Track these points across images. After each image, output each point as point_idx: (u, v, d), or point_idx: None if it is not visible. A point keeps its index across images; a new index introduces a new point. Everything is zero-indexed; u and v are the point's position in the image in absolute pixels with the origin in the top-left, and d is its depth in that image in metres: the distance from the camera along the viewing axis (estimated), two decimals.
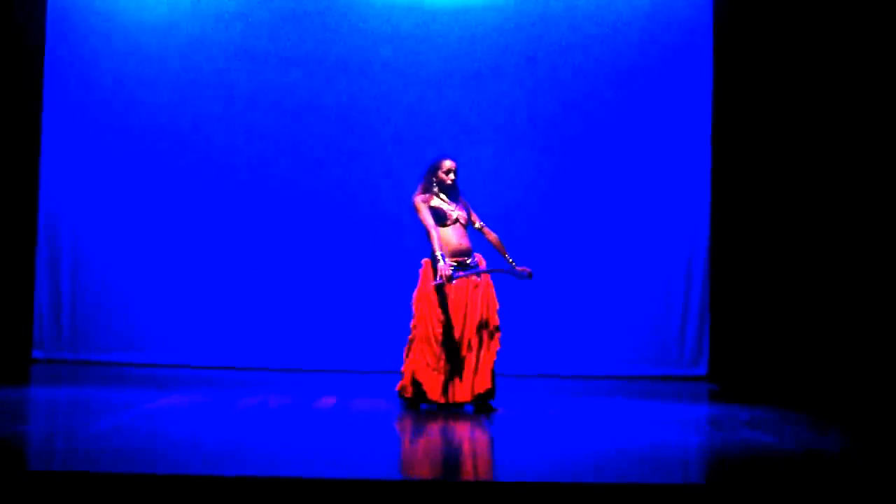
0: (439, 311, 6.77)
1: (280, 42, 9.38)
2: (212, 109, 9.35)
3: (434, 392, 6.76)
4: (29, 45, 9.04)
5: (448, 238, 6.86)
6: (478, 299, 6.81)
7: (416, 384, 6.80)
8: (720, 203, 9.24)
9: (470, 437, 6.05)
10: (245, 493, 4.35)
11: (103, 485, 4.35)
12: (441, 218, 6.88)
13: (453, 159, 7.03)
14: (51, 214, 9.22)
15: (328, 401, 7.27)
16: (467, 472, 5.04)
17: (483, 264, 6.93)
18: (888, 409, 7.72)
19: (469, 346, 6.77)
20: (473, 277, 6.82)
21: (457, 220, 6.92)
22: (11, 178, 8.97)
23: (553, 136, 9.41)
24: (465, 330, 6.78)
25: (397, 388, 6.94)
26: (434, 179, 6.97)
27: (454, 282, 6.75)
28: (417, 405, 6.82)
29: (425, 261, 6.92)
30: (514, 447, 5.70)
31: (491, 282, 6.93)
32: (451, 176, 6.97)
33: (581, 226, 9.37)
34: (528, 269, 6.99)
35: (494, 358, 6.83)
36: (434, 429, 6.21)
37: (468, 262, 6.87)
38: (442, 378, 6.75)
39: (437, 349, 6.75)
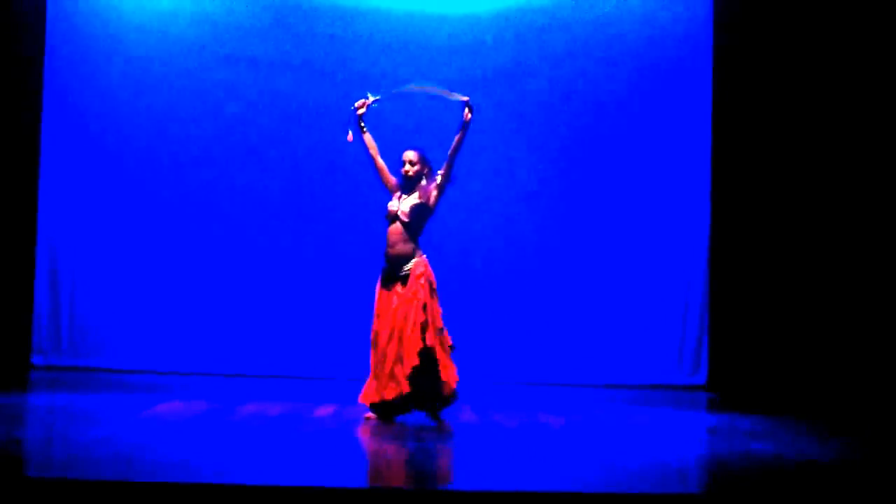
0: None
1: (283, 50, 9.38)
2: (209, 119, 9.38)
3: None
4: (29, 51, 9.06)
5: (386, 239, 6.67)
6: (398, 306, 6.55)
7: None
8: (720, 211, 9.24)
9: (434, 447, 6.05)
10: (243, 502, 4.35)
11: (101, 492, 4.35)
12: (386, 215, 6.72)
13: (415, 148, 6.77)
14: (50, 222, 9.23)
15: (327, 409, 7.27)
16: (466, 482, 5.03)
17: (419, 270, 6.54)
18: (888, 418, 7.71)
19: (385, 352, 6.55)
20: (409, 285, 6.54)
21: (395, 218, 6.65)
22: (10, 186, 8.97)
23: (553, 146, 9.41)
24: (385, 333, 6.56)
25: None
26: (400, 174, 6.78)
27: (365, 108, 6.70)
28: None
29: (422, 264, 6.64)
30: (509, 456, 5.69)
31: (419, 293, 6.52)
32: (406, 167, 6.72)
33: (581, 234, 9.37)
34: (466, 98, 6.65)
35: (412, 363, 6.44)
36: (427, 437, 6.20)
37: (400, 271, 6.57)
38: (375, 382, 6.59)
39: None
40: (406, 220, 6.64)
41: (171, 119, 9.36)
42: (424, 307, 6.53)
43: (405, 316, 6.53)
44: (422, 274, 6.58)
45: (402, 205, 6.67)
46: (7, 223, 8.96)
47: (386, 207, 6.74)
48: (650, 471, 5.20)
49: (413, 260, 6.62)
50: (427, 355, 6.49)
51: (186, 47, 9.38)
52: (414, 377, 6.48)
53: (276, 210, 9.40)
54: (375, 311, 6.68)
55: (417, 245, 6.68)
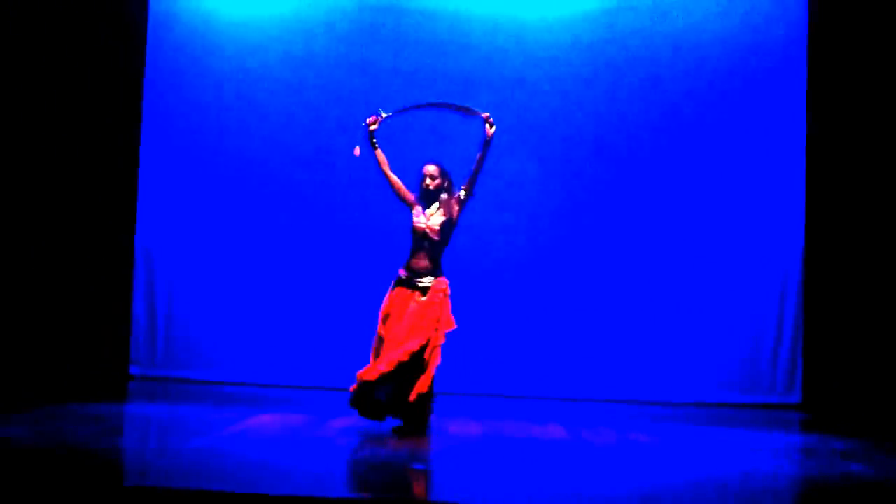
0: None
1: (368, 53, 9.34)
2: (308, 127, 9.39)
3: None
4: (129, 61, 9.26)
5: (412, 251, 6.71)
6: (417, 309, 6.60)
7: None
8: (815, 223, 9.06)
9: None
10: None
11: (197, 501, 4.43)
12: (412, 229, 6.74)
13: (435, 162, 6.81)
14: (147, 234, 9.41)
15: None
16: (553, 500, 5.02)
17: (440, 288, 6.63)
18: None
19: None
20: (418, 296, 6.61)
21: (424, 234, 6.68)
22: (110, 199, 9.18)
23: (643, 153, 9.32)
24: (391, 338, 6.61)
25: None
26: (420, 187, 6.81)
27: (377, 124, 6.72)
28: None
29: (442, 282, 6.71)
30: (599, 474, 5.66)
31: (435, 309, 6.60)
32: (427, 181, 6.74)
33: (671, 246, 9.26)
34: (487, 114, 6.65)
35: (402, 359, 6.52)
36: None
37: (419, 282, 6.63)
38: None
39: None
40: (436, 238, 6.69)
41: (268, 128, 9.43)
42: (438, 322, 6.58)
43: (422, 316, 6.54)
44: (441, 290, 6.63)
45: (430, 221, 6.70)
46: (106, 235, 9.18)
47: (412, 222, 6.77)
48: (741, 492, 5.13)
49: (435, 277, 6.66)
50: (417, 361, 6.51)
51: (284, 56, 9.40)
52: (399, 369, 6.47)
53: (380, 221, 9.27)
54: (383, 312, 6.70)
55: (440, 261, 6.73)
